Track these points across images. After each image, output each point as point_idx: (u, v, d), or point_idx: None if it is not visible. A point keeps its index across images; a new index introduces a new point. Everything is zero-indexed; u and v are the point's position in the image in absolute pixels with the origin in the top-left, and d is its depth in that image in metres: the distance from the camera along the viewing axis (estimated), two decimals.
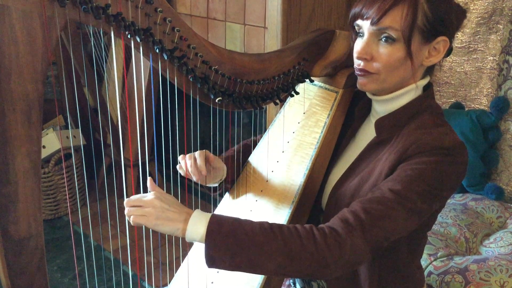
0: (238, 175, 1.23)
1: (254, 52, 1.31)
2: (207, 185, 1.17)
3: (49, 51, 0.78)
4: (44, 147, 2.67)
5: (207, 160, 1.11)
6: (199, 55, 0.94)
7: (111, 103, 2.80)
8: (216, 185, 1.20)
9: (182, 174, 1.11)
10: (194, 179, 1.12)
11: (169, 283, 1.19)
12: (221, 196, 1.24)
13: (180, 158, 1.12)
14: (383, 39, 0.96)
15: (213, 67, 0.97)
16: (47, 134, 2.69)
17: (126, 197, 0.93)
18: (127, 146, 2.76)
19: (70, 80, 2.92)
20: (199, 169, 1.09)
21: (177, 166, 1.12)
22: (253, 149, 1.26)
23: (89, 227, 2.69)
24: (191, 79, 0.95)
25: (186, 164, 1.10)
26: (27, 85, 0.78)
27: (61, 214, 2.83)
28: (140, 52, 0.87)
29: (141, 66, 2.50)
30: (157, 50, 0.87)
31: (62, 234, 2.67)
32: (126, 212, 0.92)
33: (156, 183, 0.98)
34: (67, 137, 2.78)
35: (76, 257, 2.32)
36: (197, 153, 1.11)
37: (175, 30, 0.89)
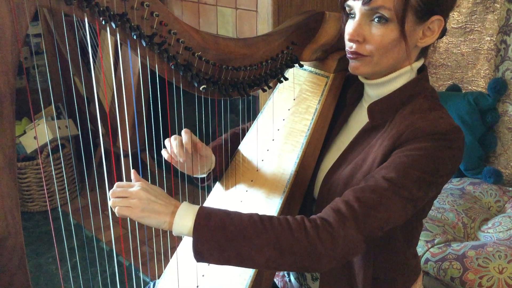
0: (226, 165, 1.19)
1: (247, 37, 1.28)
2: (194, 175, 1.14)
3: (19, 40, 0.74)
4: (35, 137, 2.63)
5: (194, 148, 1.06)
6: (180, 41, 0.90)
7: (102, 92, 2.76)
8: (204, 175, 1.16)
9: (166, 158, 1.05)
10: (180, 160, 1.05)
11: (161, 276, 1.16)
12: (209, 186, 1.20)
13: (166, 141, 1.06)
14: (375, 20, 0.92)
15: (196, 54, 0.93)
16: (38, 124, 2.65)
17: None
18: (120, 135, 2.72)
19: (60, 69, 2.88)
20: (185, 147, 1.02)
21: (162, 151, 1.07)
22: (242, 137, 1.23)
23: (84, 217, 2.67)
24: (173, 67, 0.91)
25: (171, 146, 1.04)
26: None
27: (54, 206, 2.81)
28: (117, 39, 0.83)
29: (131, 54, 2.45)
30: (135, 37, 0.83)
31: (56, 226, 2.65)
32: (110, 203, 0.89)
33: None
34: (59, 128, 2.74)
35: (70, 248, 2.30)
36: (182, 132, 1.05)
37: (154, 15, 0.85)
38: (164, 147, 1.07)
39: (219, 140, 1.21)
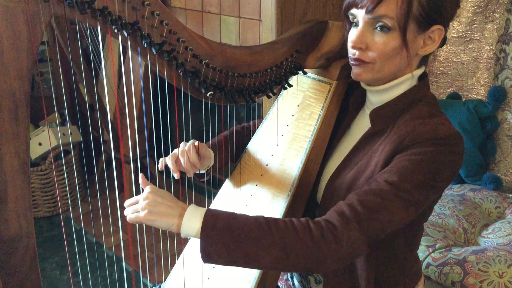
0: (226, 162, 1.22)
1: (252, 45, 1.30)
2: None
3: (35, 47, 0.77)
4: (40, 144, 2.66)
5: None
6: (189, 49, 0.93)
7: (107, 99, 2.79)
8: (204, 171, 1.19)
9: (176, 176, 1.08)
10: (188, 176, 1.11)
11: (166, 279, 1.18)
12: (208, 183, 1.22)
13: (167, 158, 1.09)
14: (378, 28, 0.95)
15: (204, 61, 0.96)
16: (43, 131, 2.67)
17: (124, 193, 0.93)
18: (124, 141, 2.74)
19: (66, 76, 2.90)
20: (193, 164, 1.08)
21: (159, 166, 1.10)
22: (246, 135, 1.25)
23: (88, 223, 2.69)
24: (181, 74, 0.94)
25: (178, 162, 1.08)
26: (13, 83, 0.77)
27: (59, 211, 2.82)
28: (128, 47, 0.86)
29: (137, 60, 2.48)
30: (145, 45, 0.86)
31: (61, 231, 2.66)
32: (125, 212, 0.93)
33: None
34: (64, 134, 2.76)
35: (74, 254, 2.31)
36: (186, 147, 1.09)
37: (164, 24, 0.88)
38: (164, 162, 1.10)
39: (219, 137, 1.23)
